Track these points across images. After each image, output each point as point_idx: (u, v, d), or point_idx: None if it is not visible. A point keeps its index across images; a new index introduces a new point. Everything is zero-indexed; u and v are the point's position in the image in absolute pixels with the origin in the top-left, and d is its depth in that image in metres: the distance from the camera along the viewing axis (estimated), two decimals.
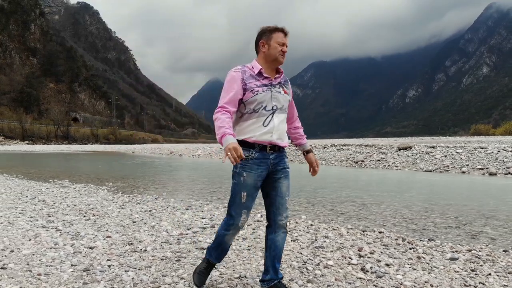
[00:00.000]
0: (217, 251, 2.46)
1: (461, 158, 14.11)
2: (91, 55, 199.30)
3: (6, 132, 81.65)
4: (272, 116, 2.24)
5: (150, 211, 5.32)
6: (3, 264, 2.87)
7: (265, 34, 2.28)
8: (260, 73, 2.26)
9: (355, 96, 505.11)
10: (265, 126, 2.23)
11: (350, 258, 3.27)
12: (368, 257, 3.32)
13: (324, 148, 19.79)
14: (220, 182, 9.83)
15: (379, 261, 3.23)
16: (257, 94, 2.22)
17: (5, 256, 3.10)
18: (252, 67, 2.28)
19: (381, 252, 3.52)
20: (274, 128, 2.25)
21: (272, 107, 2.25)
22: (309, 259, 3.21)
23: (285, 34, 2.28)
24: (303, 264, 3.05)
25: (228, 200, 2.33)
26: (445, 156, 14.79)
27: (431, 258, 3.42)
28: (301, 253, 3.37)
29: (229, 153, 2.02)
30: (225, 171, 14.25)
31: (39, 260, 3.01)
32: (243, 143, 2.23)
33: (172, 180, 10.73)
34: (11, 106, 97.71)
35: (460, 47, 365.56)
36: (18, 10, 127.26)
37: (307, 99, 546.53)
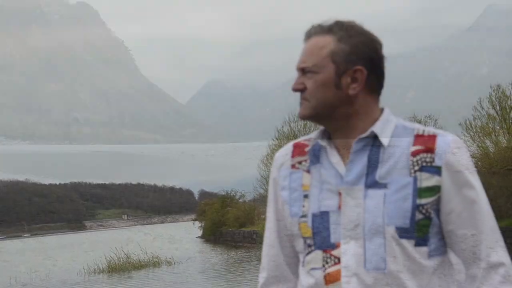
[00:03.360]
0: None
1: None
2: (91, 55, 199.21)
3: (6, 132, 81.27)
4: None
5: None
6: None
7: None
8: None
9: None
10: None
11: None
12: None
13: None
14: None
15: None
16: None
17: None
18: None
19: None
20: None
21: None
22: None
23: None
24: None
25: None
26: None
27: None
28: None
29: None
30: None
31: None
32: None
33: None
34: (11, 106, 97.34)
35: (459, 47, 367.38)
36: (18, 10, 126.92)
37: None
